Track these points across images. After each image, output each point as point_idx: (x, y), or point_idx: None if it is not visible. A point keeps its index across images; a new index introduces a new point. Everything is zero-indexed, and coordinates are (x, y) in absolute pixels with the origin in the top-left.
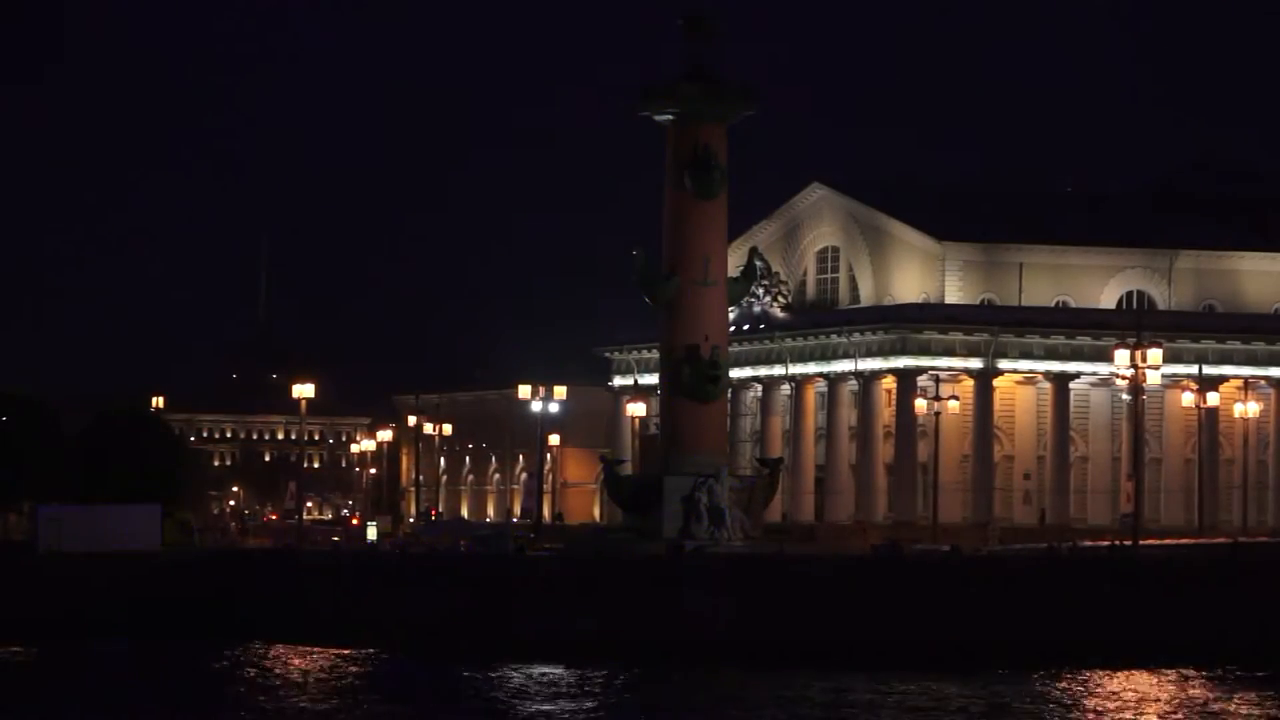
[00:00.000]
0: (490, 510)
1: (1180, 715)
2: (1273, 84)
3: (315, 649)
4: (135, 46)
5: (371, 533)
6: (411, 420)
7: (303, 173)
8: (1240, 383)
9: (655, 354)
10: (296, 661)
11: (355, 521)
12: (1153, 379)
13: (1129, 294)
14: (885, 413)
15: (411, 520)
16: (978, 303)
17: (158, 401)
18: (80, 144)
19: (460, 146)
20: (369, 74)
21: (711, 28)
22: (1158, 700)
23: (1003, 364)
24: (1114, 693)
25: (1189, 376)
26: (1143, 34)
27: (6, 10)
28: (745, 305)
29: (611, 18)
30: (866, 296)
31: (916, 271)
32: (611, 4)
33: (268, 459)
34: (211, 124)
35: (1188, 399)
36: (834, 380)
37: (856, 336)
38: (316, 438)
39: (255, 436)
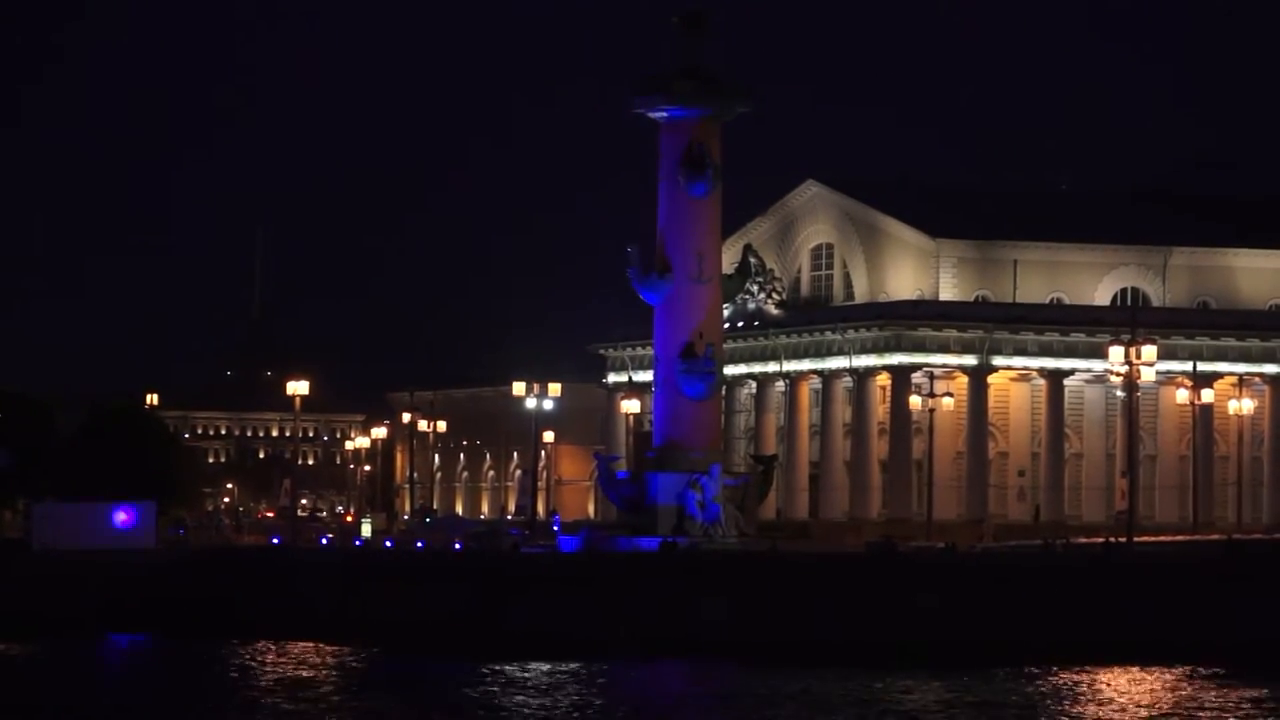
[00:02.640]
0: (485, 507)
1: (1174, 713)
2: (1267, 82)
3: (310, 646)
4: (132, 45)
5: (366, 529)
6: (406, 417)
7: (299, 170)
8: (1235, 379)
9: (650, 351)
10: (291, 658)
11: (350, 518)
12: (1147, 376)
13: (1123, 291)
14: (880, 409)
15: (406, 517)
16: (972, 299)
17: (152, 399)
18: (78, 141)
19: (457, 145)
20: (367, 72)
21: (707, 24)
22: (1151, 697)
23: (997, 361)
24: (1108, 690)
25: (1183, 373)
26: (1139, 33)
27: (5, 7)
28: (740, 302)
29: (608, 15)
30: (861, 293)
31: (911, 268)
32: (608, 1)
33: (262, 456)
34: (209, 120)
35: (1182, 396)
36: (828, 377)
37: (851, 333)
38: (311, 435)
39: (250, 433)
